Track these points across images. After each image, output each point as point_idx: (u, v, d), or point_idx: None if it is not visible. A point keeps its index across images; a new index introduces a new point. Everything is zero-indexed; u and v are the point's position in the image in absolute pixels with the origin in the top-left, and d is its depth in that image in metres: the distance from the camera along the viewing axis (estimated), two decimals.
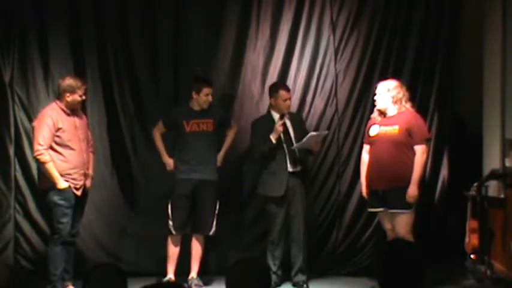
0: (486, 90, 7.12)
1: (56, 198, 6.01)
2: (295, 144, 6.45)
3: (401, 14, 7.09)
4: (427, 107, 6.96)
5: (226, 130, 6.77)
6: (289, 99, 6.58)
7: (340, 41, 7.13)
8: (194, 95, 6.56)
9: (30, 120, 6.96)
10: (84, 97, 6.21)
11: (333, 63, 7.13)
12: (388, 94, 6.09)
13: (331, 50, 7.13)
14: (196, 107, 6.59)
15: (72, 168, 6.07)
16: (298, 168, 6.52)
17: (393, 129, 6.03)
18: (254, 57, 7.16)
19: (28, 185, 6.97)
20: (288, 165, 6.48)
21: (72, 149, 6.08)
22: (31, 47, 7.00)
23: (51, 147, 6.01)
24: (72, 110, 6.14)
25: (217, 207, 6.59)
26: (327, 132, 6.80)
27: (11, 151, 6.98)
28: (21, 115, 6.99)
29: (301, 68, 7.14)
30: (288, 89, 6.62)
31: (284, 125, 6.51)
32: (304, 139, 6.38)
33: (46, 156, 5.97)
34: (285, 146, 6.48)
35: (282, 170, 6.49)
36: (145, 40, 7.14)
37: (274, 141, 6.43)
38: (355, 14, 7.11)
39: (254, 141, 6.62)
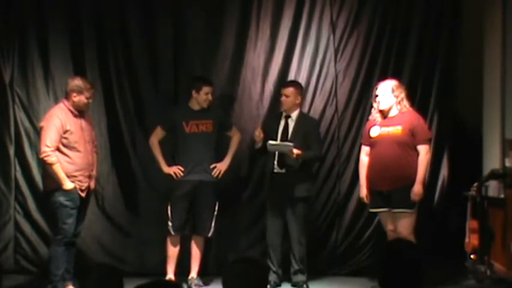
0: (486, 90, 7.13)
1: (61, 199, 6.00)
2: (268, 146, 6.40)
3: (401, 14, 7.09)
4: (427, 107, 6.96)
5: (225, 132, 6.76)
6: (285, 96, 6.53)
7: (340, 41, 7.13)
8: (194, 94, 6.56)
9: (30, 120, 6.98)
10: (90, 100, 6.19)
11: (333, 63, 7.13)
12: (392, 95, 6.09)
13: (331, 50, 7.13)
14: (195, 107, 6.59)
15: (78, 170, 6.06)
16: (283, 170, 6.49)
17: (396, 130, 6.04)
18: (254, 57, 7.15)
19: (28, 185, 6.99)
20: (275, 165, 6.50)
21: (78, 150, 6.07)
22: (31, 47, 7.01)
23: (58, 149, 6.00)
24: (80, 112, 6.13)
25: (216, 208, 6.59)
26: (291, 144, 6.34)
27: (11, 151, 6.99)
28: (21, 115, 7.00)
29: (301, 68, 7.14)
30: (284, 86, 6.63)
31: (286, 125, 6.54)
32: (268, 145, 6.36)
33: (53, 157, 5.96)
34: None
35: (268, 170, 6.54)
36: (145, 40, 7.14)
37: (256, 147, 6.54)
38: (355, 14, 7.10)
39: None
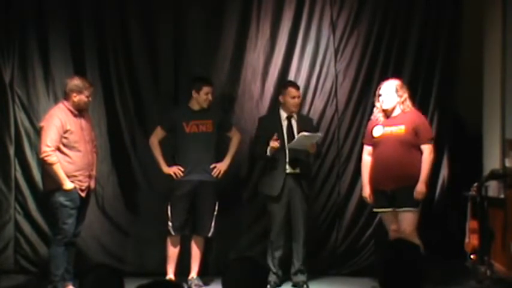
0: (486, 90, 7.12)
1: (61, 199, 6.00)
2: (287, 144, 6.44)
3: (401, 14, 7.09)
4: (427, 107, 6.96)
5: (225, 133, 6.75)
6: (298, 97, 6.58)
7: (340, 41, 7.13)
8: (194, 94, 6.56)
9: (30, 120, 6.98)
10: (90, 99, 6.20)
11: (333, 63, 7.13)
12: (396, 94, 6.10)
13: (331, 50, 7.13)
14: (195, 107, 6.59)
15: (78, 170, 6.06)
16: (297, 170, 6.51)
17: (399, 129, 6.05)
18: (254, 57, 7.15)
19: (28, 185, 6.99)
20: (287, 166, 6.49)
21: (78, 150, 6.08)
22: (31, 47, 7.01)
23: (58, 149, 6.00)
24: (79, 111, 6.13)
25: (216, 208, 6.59)
26: (320, 134, 6.68)
27: (11, 151, 6.99)
28: (21, 115, 7.00)
29: (301, 68, 7.14)
30: (297, 87, 6.61)
31: (290, 126, 6.53)
32: (296, 138, 6.37)
33: (53, 157, 5.96)
34: (286, 146, 6.48)
35: (280, 170, 6.50)
36: (145, 40, 7.14)
37: (269, 154, 6.43)
38: (355, 14, 7.10)
39: (256, 139, 6.70)
